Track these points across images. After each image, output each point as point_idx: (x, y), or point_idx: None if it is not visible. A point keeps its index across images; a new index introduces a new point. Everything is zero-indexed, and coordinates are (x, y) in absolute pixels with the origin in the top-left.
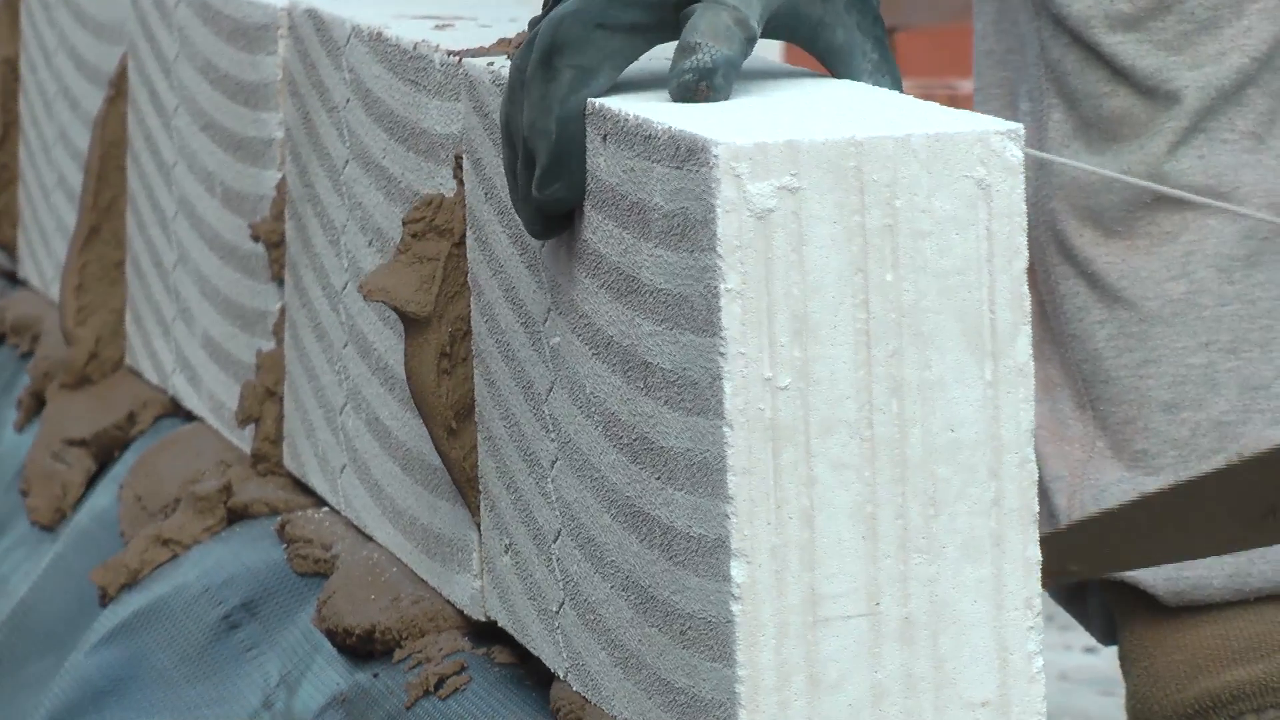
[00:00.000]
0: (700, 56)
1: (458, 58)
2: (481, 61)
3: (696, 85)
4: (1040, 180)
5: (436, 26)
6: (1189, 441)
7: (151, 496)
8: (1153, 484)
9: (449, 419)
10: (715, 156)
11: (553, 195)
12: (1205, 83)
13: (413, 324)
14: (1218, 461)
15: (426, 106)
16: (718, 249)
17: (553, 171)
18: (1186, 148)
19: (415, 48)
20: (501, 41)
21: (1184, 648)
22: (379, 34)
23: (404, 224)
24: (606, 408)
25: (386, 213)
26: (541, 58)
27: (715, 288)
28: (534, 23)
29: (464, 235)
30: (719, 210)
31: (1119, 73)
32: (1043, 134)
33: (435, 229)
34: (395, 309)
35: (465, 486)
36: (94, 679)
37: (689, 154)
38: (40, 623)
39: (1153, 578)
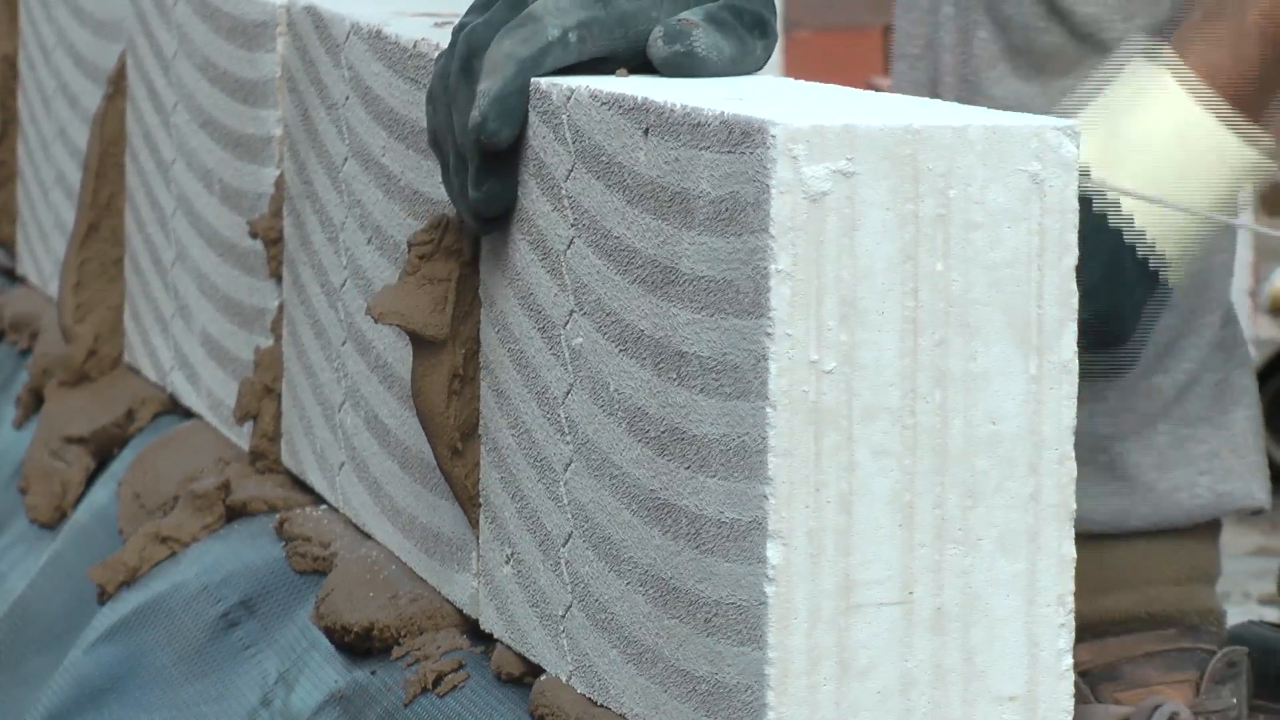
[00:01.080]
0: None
1: None
2: None
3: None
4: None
5: (436, 24)
6: (1082, 375)
7: (150, 494)
8: None
9: (455, 439)
10: (773, 137)
11: (488, 193)
12: (1132, 36)
13: (425, 346)
14: None
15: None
16: (770, 230)
17: (485, 169)
18: None
19: (415, 45)
20: None
21: None
22: (378, 31)
23: (410, 245)
24: (633, 403)
25: (385, 210)
26: (462, 65)
27: (765, 269)
28: (455, 32)
29: (474, 256)
30: (773, 191)
31: (1057, 11)
32: (967, 49)
33: (444, 250)
34: (410, 332)
35: (468, 504)
36: (93, 677)
37: (743, 136)
38: (39, 620)
39: None
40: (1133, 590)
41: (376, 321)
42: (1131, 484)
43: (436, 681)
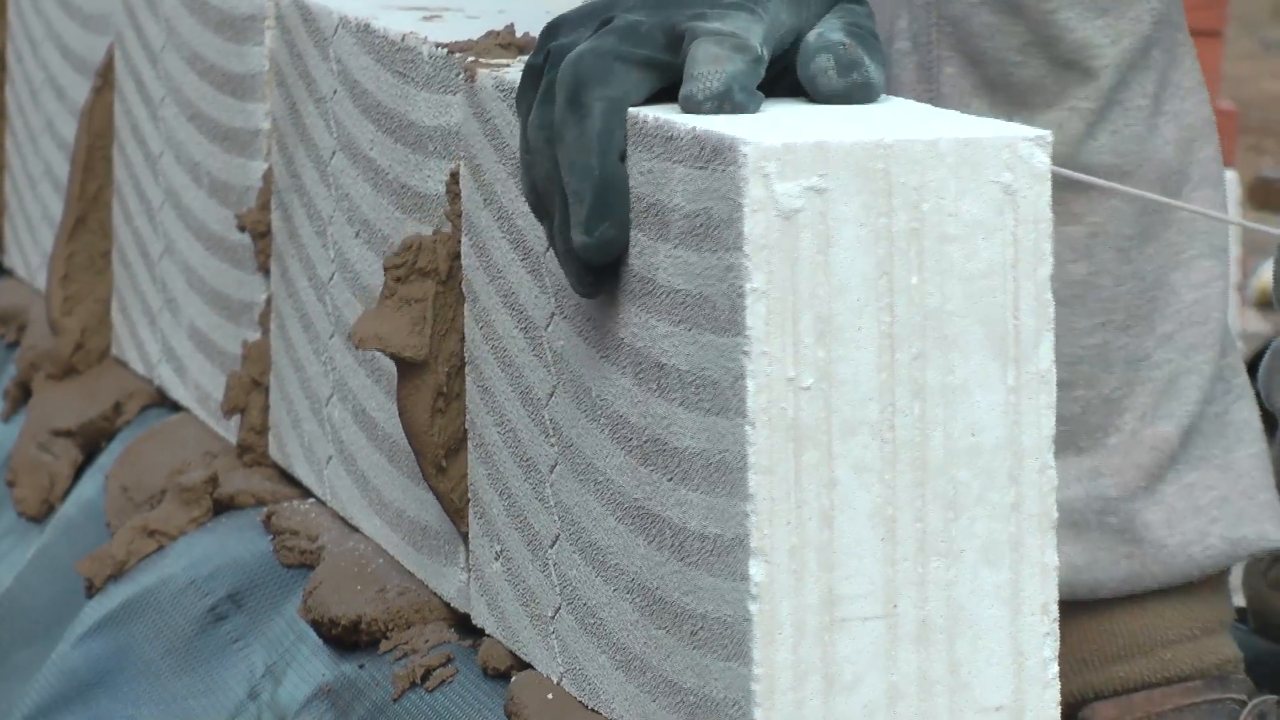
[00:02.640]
0: (707, 82)
1: (446, 49)
2: (487, 72)
3: (719, 109)
4: None
5: (424, 18)
6: (1079, 418)
7: (137, 487)
8: None
9: (439, 456)
10: (744, 155)
11: (602, 236)
12: (1120, 60)
13: (408, 367)
14: None
15: (414, 98)
16: (744, 248)
17: (599, 210)
18: (1103, 124)
19: (403, 39)
20: (490, 34)
21: (1070, 640)
22: (366, 25)
23: (386, 269)
24: (614, 410)
25: (374, 204)
26: (569, 98)
27: (740, 287)
28: (543, 67)
29: (450, 272)
30: (746, 209)
31: (1039, 42)
32: (934, 87)
33: (419, 271)
34: (391, 355)
35: (455, 516)
36: (80, 671)
37: (715, 153)
38: (26, 613)
39: None
40: (1145, 656)
41: (357, 348)
42: (1142, 545)
43: (425, 676)
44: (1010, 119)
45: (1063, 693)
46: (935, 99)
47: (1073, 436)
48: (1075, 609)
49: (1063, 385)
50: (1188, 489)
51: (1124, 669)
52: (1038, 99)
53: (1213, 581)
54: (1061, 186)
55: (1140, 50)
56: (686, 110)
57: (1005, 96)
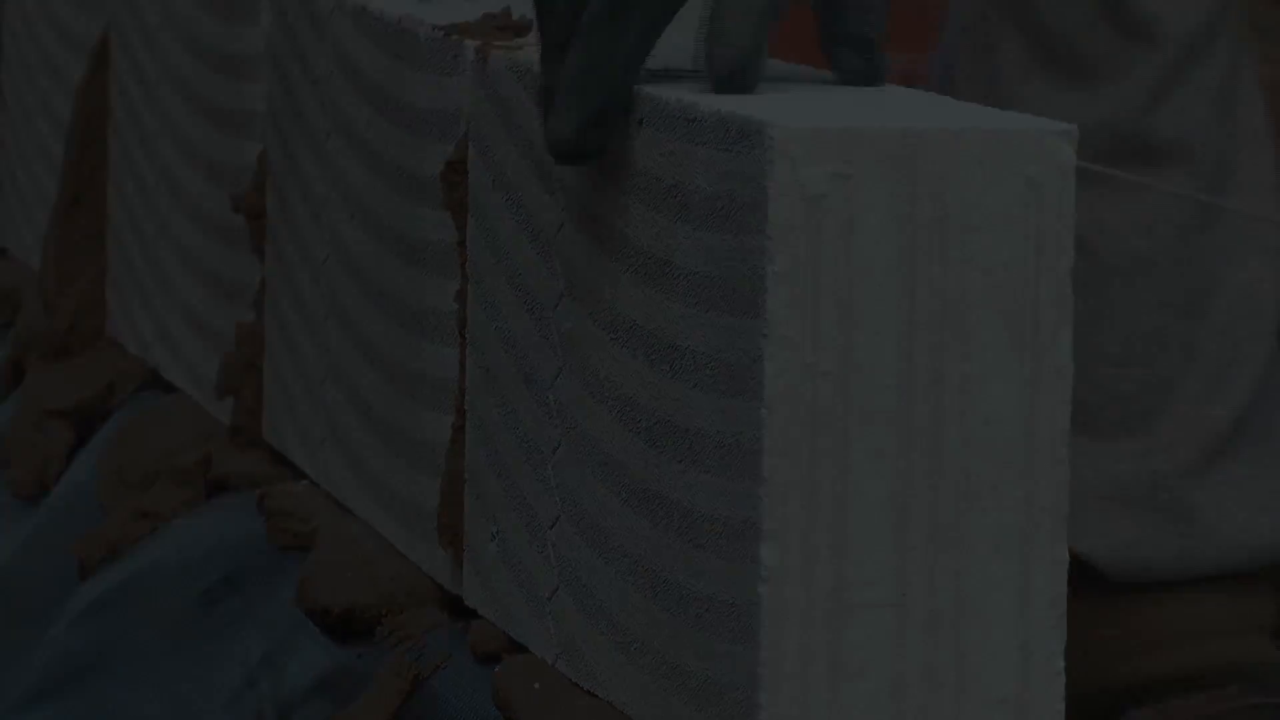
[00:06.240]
0: (732, 42)
1: (443, 32)
2: (501, 52)
3: (728, 82)
4: None
5: (421, 0)
6: (1134, 398)
7: (131, 468)
8: (1086, 442)
9: None
10: (771, 139)
11: (587, 142)
12: (1184, 33)
13: None
14: None
15: (411, 80)
16: (767, 231)
17: (599, 120)
18: (1167, 99)
19: (400, 21)
20: (486, 16)
21: (1121, 626)
22: (363, 6)
23: None
24: (623, 392)
25: (369, 186)
26: (611, 8)
27: (762, 270)
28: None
29: None
30: (771, 192)
31: (1107, 12)
32: (991, 62)
33: None
34: None
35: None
36: (76, 653)
37: (741, 136)
38: (20, 594)
39: (1099, 552)
40: (1195, 645)
41: None
42: (1193, 524)
43: (418, 658)
44: (1072, 92)
45: (1112, 680)
46: (993, 74)
47: (1125, 418)
48: (1128, 594)
49: (1117, 362)
50: (1239, 481)
51: (1173, 657)
52: (1103, 71)
53: (1264, 581)
54: (1128, 159)
55: (1207, 30)
56: (697, 64)
57: (1067, 70)
